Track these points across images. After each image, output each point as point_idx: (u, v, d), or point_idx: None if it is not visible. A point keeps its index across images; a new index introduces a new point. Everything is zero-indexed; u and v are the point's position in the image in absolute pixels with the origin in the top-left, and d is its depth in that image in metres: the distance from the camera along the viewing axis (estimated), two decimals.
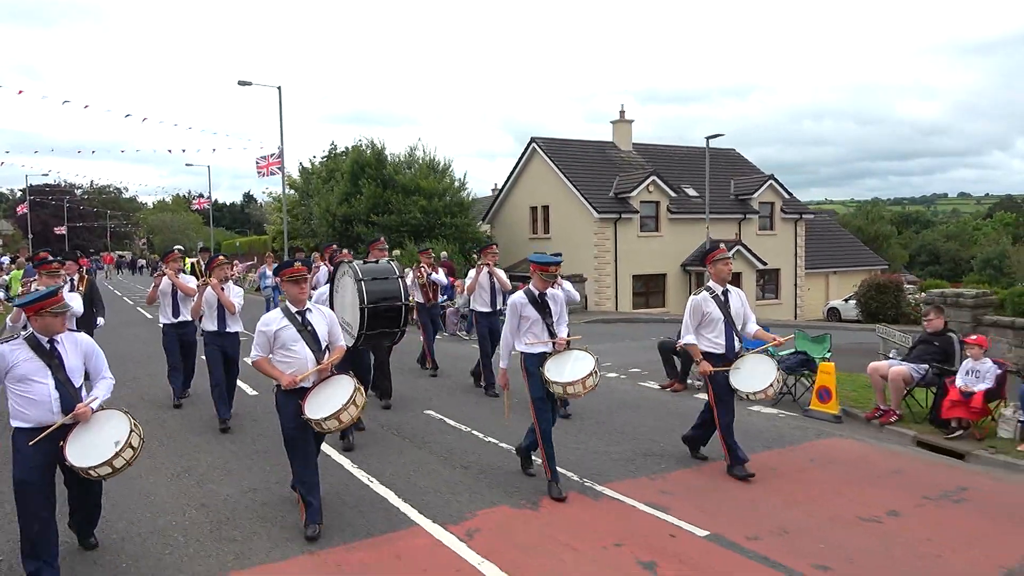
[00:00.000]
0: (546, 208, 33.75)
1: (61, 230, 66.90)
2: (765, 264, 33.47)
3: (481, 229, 35.92)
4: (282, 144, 30.79)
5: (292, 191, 39.93)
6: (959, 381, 7.82)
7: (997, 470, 6.98)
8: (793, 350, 10.04)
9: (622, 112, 36.04)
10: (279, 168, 30.96)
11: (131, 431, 4.74)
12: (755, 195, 34.66)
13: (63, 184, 76.19)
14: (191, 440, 8.11)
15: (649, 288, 32.45)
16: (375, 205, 31.72)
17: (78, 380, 4.85)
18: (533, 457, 6.69)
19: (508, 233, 35.92)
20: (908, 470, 6.93)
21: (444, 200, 31.87)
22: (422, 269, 11.99)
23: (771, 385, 6.62)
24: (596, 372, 6.24)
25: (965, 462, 7.26)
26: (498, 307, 10.33)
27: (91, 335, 6.85)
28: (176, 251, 10.41)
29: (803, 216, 36.45)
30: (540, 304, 6.43)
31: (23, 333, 4.83)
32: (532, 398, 6.37)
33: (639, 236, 31.74)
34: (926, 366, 8.29)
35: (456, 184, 33.89)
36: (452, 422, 8.76)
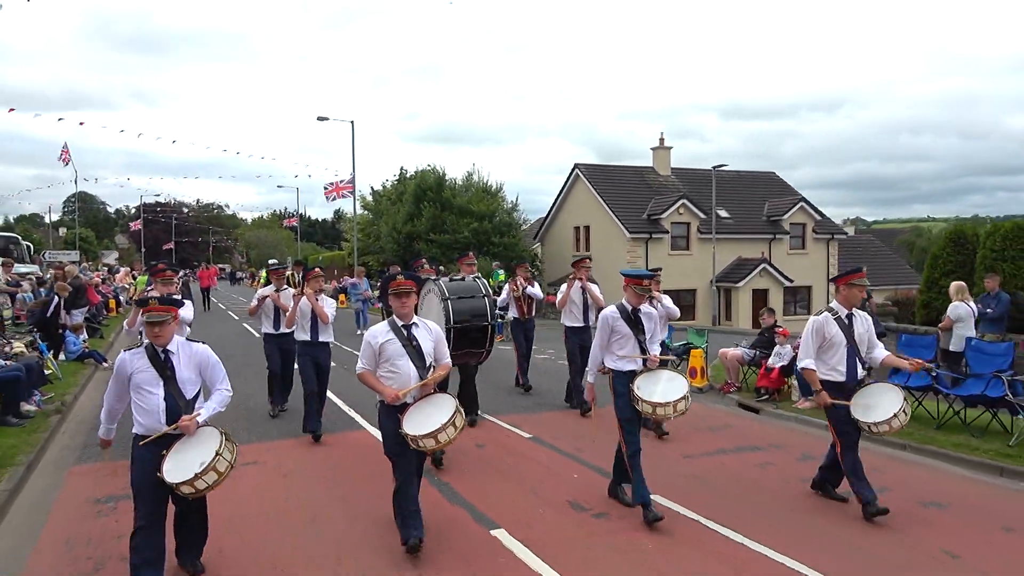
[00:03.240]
0: (587, 228, 37.17)
1: (170, 245, 74.43)
2: (792, 281, 35.84)
3: (533, 247, 39.80)
4: (354, 172, 35.21)
5: (366, 211, 44.79)
6: (771, 361, 10.99)
7: (765, 417, 10.17)
8: (685, 342, 13.28)
9: (661, 139, 39.17)
10: (349, 193, 35.44)
11: (217, 455, 4.66)
12: (785, 216, 37.11)
13: (172, 202, 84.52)
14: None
15: (680, 302, 35.28)
16: (434, 225, 35.85)
17: (190, 391, 4.88)
18: (624, 486, 6.51)
19: (555, 250, 39.53)
20: (707, 416, 10.15)
21: (494, 221, 35.76)
22: (518, 282, 11.72)
23: (895, 416, 6.09)
24: (688, 396, 6.13)
25: (757, 415, 10.44)
26: (590, 322, 10.14)
27: None
28: (279, 267, 10.71)
29: (835, 236, 38.61)
30: (633, 320, 6.26)
31: (145, 342, 4.95)
32: (620, 419, 6.21)
33: (670, 254, 34.73)
34: (753, 351, 11.47)
35: (508, 206, 37.91)
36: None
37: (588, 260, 10.92)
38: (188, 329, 10.71)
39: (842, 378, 6.31)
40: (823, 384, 6.31)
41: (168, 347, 4.86)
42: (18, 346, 10.83)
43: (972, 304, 10.92)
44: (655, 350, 6.39)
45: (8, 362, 9.52)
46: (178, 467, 4.63)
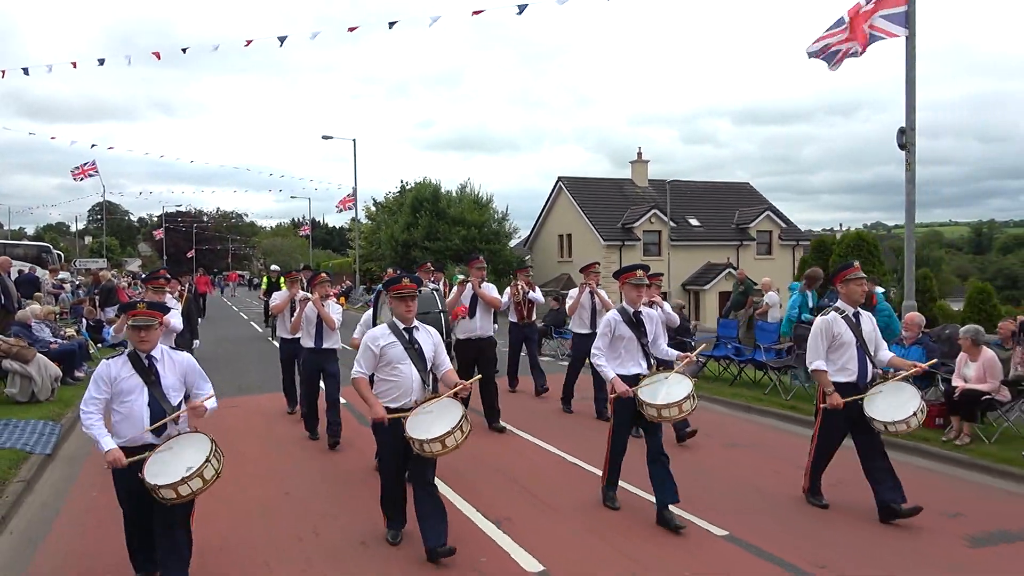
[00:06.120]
0: (569, 236, 40.49)
1: (191, 253, 78.47)
2: (756, 284, 38.79)
3: (526, 257, 43.11)
4: (355, 186, 38.93)
5: (371, 221, 48.39)
6: None
7: None
8: None
9: (639, 153, 42.56)
10: (352, 206, 39.05)
11: (207, 461, 4.54)
12: (752, 224, 40.20)
13: (193, 211, 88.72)
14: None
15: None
16: (428, 233, 39.25)
17: (175, 398, 4.84)
18: (671, 507, 6.01)
19: (543, 257, 42.88)
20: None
21: (483, 230, 39.10)
22: (519, 287, 11.69)
23: (913, 415, 5.90)
24: (694, 396, 5.93)
25: None
26: (597, 328, 9.24)
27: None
28: (294, 271, 11.52)
29: (800, 243, 41.61)
30: (634, 322, 6.22)
31: (127, 349, 4.88)
32: (613, 423, 6.20)
33: (642, 260, 37.89)
34: None
35: (499, 216, 41.27)
36: None
37: (597, 265, 11.00)
38: (198, 343, 13.12)
39: (852, 378, 6.20)
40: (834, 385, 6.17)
41: (152, 353, 4.83)
42: (69, 331, 14.30)
43: (776, 295, 14.30)
44: (659, 353, 6.44)
45: (65, 340, 12.99)
46: (163, 470, 4.52)
